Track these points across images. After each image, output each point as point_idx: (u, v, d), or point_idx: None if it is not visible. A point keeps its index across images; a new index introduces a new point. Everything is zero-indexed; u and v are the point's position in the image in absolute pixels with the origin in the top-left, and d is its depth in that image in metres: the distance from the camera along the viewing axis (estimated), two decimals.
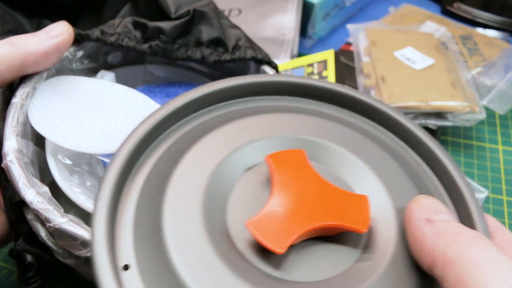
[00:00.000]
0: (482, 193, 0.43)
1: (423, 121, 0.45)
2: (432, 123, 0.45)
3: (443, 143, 0.49)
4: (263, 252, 0.17)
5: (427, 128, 0.46)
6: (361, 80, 0.49)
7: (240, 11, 0.61)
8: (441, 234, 0.16)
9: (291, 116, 0.22)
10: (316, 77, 0.48)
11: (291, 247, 0.18)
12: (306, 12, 0.59)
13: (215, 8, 0.31)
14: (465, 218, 0.20)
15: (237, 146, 0.20)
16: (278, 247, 0.16)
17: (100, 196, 0.17)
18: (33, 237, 0.25)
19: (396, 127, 0.23)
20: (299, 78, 0.24)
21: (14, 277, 0.37)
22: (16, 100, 0.27)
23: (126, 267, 0.17)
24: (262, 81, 0.23)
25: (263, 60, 0.30)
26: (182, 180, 0.18)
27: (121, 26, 0.30)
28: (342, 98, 0.24)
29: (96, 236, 0.16)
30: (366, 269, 0.17)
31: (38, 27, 0.32)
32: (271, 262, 0.17)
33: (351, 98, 0.23)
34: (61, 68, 0.30)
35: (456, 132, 0.50)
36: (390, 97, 0.45)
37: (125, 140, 0.19)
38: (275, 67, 0.31)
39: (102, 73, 0.33)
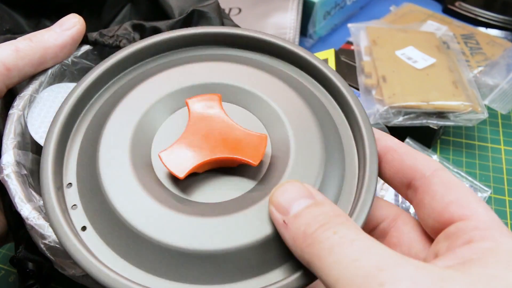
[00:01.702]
0: (485, 192, 0.43)
1: (424, 121, 0.44)
2: (434, 122, 0.44)
3: (445, 143, 0.49)
4: (174, 178, 0.21)
5: (428, 128, 0.46)
6: (362, 80, 0.49)
7: (240, 10, 0.61)
8: (294, 240, 0.18)
9: (214, 64, 0.25)
10: None
11: (198, 175, 0.22)
12: (307, 11, 0.59)
13: (217, 8, 0.31)
14: (361, 164, 0.22)
15: (166, 92, 0.24)
16: (179, 173, 0.20)
17: (50, 131, 0.22)
18: (33, 245, 0.25)
19: (306, 66, 0.26)
20: (220, 28, 0.27)
21: (12, 278, 0.37)
22: (13, 111, 0.27)
23: (69, 186, 0.22)
24: (189, 34, 0.26)
25: None
26: (117, 120, 0.23)
27: (121, 29, 0.29)
28: (260, 43, 0.26)
29: (44, 161, 0.21)
30: (253, 198, 0.21)
31: (36, 26, 0.32)
32: (180, 186, 0.21)
33: (266, 42, 0.26)
34: (61, 73, 0.30)
35: (458, 132, 0.50)
36: (391, 97, 0.45)
37: (78, 84, 0.24)
38: None
39: None
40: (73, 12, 0.28)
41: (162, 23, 0.29)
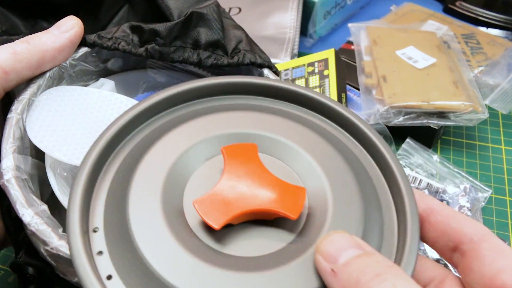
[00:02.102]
0: (486, 192, 0.42)
1: (425, 121, 0.44)
2: (434, 122, 0.44)
3: (445, 143, 0.49)
4: (208, 228, 0.20)
5: (429, 128, 0.45)
6: (362, 79, 0.49)
7: (240, 10, 0.61)
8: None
9: (250, 114, 0.25)
10: (317, 76, 0.47)
11: (234, 227, 0.21)
12: (307, 11, 0.59)
13: (217, 8, 0.30)
14: (401, 221, 0.22)
15: (200, 139, 0.23)
16: (215, 223, 0.19)
17: (79, 173, 0.21)
18: (34, 249, 0.25)
19: (342, 121, 0.25)
20: (255, 78, 0.26)
21: (11, 279, 0.37)
22: (12, 114, 0.26)
23: (95, 230, 0.20)
24: (222, 82, 0.26)
25: (262, 65, 0.30)
26: (148, 164, 0.22)
27: (119, 31, 0.29)
28: (296, 96, 0.26)
29: (72, 204, 0.20)
30: (294, 252, 0.20)
31: (32, 27, 0.31)
32: (214, 237, 0.20)
33: (303, 96, 0.26)
34: (60, 75, 0.29)
35: (459, 132, 0.50)
36: (392, 97, 0.45)
37: (105, 130, 0.23)
38: (275, 71, 0.31)
39: (101, 81, 0.32)
40: (69, 13, 0.28)
41: (160, 25, 0.28)
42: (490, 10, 0.63)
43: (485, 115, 0.44)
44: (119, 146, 0.23)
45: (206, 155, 0.23)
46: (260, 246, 0.20)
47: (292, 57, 0.55)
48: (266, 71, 0.30)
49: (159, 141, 0.23)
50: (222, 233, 0.20)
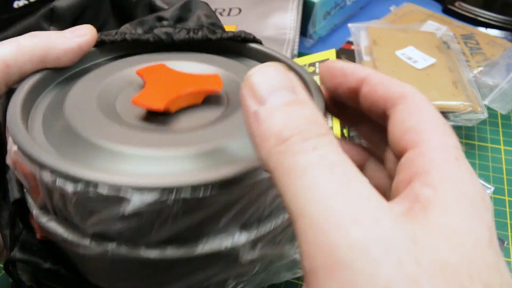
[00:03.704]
0: (488, 190, 0.43)
1: None
2: None
3: None
4: (147, 120, 0.23)
5: None
6: None
7: (240, 10, 0.61)
8: (263, 140, 0.15)
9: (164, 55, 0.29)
10: (318, 76, 0.48)
11: (171, 116, 0.24)
12: (307, 11, 0.59)
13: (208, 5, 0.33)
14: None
15: (120, 71, 0.27)
16: (160, 105, 0.22)
17: (18, 91, 0.24)
18: (28, 245, 0.24)
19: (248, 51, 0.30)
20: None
21: None
22: None
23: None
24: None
25: (256, 39, 0.31)
26: (79, 91, 0.25)
27: (121, 29, 0.30)
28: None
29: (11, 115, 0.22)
30: (226, 116, 0.24)
31: None
32: (154, 124, 0.23)
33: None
34: None
35: (458, 132, 0.50)
36: None
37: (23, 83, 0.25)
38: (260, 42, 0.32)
39: None
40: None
41: (164, 11, 0.30)
42: (489, 10, 0.63)
43: (484, 115, 0.44)
44: (42, 94, 0.26)
45: (126, 80, 0.26)
46: (197, 122, 0.23)
47: (292, 58, 0.55)
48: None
49: (87, 75, 0.26)
50: (160, 120, 0.23)
